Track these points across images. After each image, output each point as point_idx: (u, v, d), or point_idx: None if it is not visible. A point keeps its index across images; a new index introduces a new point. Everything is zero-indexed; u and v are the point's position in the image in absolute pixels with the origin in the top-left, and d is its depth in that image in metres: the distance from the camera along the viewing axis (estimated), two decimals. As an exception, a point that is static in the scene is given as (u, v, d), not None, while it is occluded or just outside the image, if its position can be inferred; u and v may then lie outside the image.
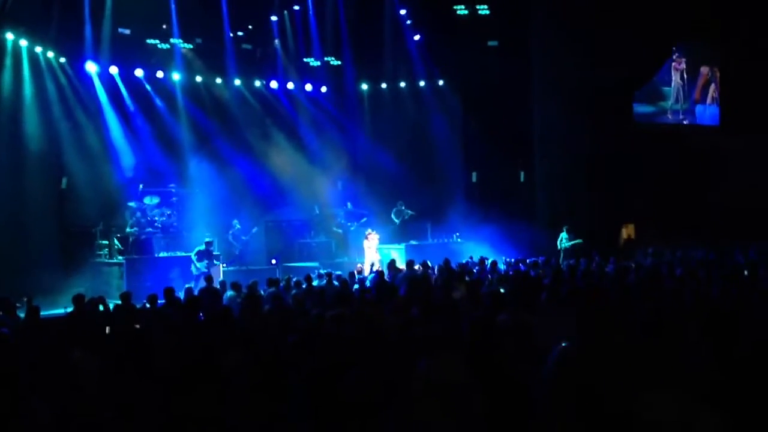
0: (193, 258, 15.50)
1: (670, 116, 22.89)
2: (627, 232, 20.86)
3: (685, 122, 22.92)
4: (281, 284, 12.03)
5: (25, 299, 10.12)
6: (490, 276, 12.26)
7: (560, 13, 19.64)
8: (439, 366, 4.36)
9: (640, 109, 22.37)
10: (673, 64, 22.67)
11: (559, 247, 17.94)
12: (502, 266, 14.16)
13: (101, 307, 10.39)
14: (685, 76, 22.82)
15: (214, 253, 15.87)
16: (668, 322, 5.42)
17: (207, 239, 15.92)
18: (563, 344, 4.28)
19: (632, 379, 3.74)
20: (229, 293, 11.39)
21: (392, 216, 19.92)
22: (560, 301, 7.34)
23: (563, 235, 17.99)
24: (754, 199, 19.40)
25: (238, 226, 18.36)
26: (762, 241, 15.67)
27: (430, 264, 14.03)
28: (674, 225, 18.95)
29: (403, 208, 19.85)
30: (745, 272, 11.36)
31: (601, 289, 8.49)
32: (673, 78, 22.75)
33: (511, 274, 12.22)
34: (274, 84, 21.00)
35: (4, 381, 5.00)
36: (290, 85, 21.22)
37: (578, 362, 4.08)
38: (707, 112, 23.12)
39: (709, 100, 23.04)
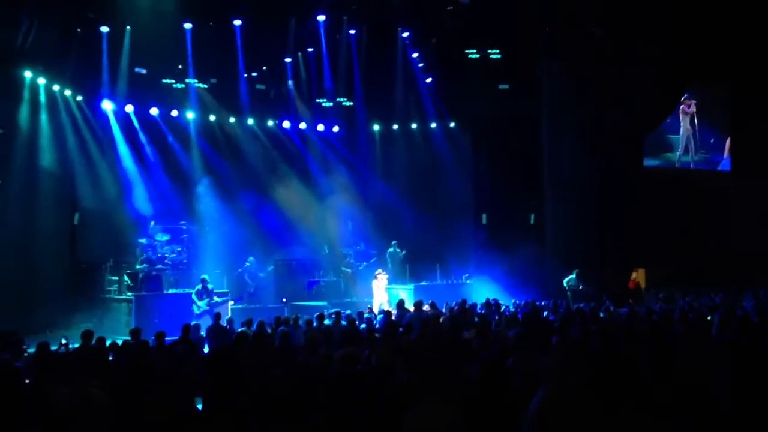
0: (194, 298, 15.58)
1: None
2: (637, 277, 20.64)
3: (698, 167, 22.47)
4: (284, 323, 11.97)
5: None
6: (496, 317, 12.16)
7: (570, 57, 19.77)
8: (428, 412, 4.32)
9: (646, 162, 21.41)
10: (682, 107, 22.07)
11: (565, 285, 17.81)
12: (511, 308, 14.06)
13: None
14: (695, 121, 22.30)
15: (209, 287, 15.88)
16: (679, 367, 5.39)
17: (202, 276, 16.00)
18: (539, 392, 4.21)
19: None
20: (241, 330, 11.34)
21: (387, 257, 19.87)
22: (570, 344, 7.26)
23: (572, 276, 17.81)
24: (764, 242, 19.26)
25: (253, 263, 18.40)
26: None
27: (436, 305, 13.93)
28: (685, 269, 18.79)
29: (397, 249, 19.80)
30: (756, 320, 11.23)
31: (608, 334, 8.38)
32: (682, 124, 22.14)
33: (519, 317, 12.11)
34: (286, 124, 21.24)
35: (11, 413, 5.01)
36: (302, 125, 21.46)
37: (550, 411, 4.01)
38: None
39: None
